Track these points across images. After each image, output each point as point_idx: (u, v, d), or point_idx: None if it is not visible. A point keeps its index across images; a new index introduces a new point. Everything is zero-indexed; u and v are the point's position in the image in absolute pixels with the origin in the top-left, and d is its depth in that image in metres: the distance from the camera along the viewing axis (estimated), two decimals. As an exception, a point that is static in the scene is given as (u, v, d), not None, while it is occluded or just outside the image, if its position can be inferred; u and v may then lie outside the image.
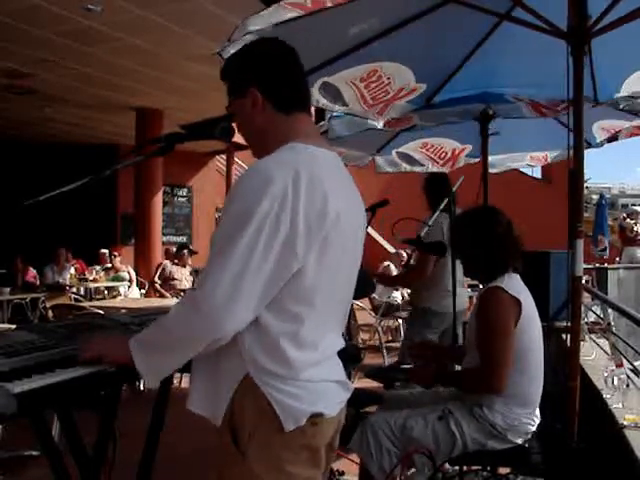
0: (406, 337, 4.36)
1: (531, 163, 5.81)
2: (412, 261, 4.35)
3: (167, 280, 8.69)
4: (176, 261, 8.95)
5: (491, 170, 4.61)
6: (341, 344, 1.62)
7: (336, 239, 1.47)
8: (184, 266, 8.90)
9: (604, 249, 12.36)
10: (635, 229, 11.93)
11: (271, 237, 1.37)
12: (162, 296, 8.41)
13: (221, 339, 1.40)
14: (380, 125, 3.99)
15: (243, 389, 1.45)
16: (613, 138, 4.54)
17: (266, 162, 1.46)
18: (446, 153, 5.27)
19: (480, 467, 2.64)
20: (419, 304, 4.21)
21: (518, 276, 2.56)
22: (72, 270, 9.87)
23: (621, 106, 3.70)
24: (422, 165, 5.34)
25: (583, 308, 3.67)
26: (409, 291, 5.89)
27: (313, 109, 4.76)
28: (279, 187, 1.38)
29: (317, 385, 1.49)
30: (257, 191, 1.38)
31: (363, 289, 4.35)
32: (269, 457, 1.44)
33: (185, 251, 9.03)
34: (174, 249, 9.67)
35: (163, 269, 8.81)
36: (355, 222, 1.60)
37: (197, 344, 1.42)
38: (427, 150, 5.21)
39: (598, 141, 4.62)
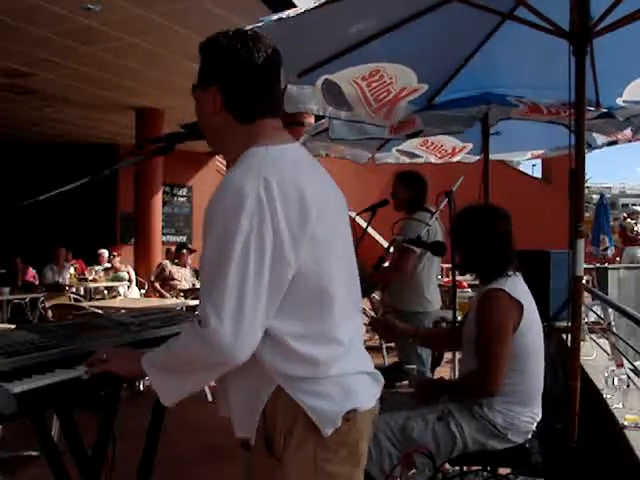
0: (403, 341, 4.34)
1: (532, 159, 5.88)
2: (386, 262, 4.30)
3: (167, 280, 8.69)
4: (176, 261, 8.95)
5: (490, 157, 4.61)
6: (361, 323, 1.61)
7: (324, 231, 1.43)
8: (184, 266, 8.90)
9: (606, 249, 12.38)
10: (635, 229, 11.95)
11: (259, 253, 1.34)
12: (162, 296, 8.40)
13: (238, 364, 1.38)
14: (386, 133, 4.02)
15: (275, 400, 1.43)
16: (613, 142, 4.58)
17: (234, 177, 1.41)
18: (446, 151, 5.31)
19: (480, 467, 2.63)
20: (408, 308, 4.20)
21: (521, 277, 2.55)
22: (72, 270, 9.88)
23: (621, 119, 3.72)
24: (421, 157, 5.38)
25: (583, 308, 3.67)
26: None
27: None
28: (253, 201, 1.34)
29: (349, 378, 1.47)
30: (233, 210, 1.35)
31: (363, 289, 4.34)
32: (306, 459, 1.42)
33: (184, 250, 9.02)
34: (174, 249, 9.68)
35: (163, 269, 8.81)
36: (336, 205, 1.56)
37: (215, 372, 1.45)
38: (427, 148, 5.25)
39: (599, 143, 4.65)
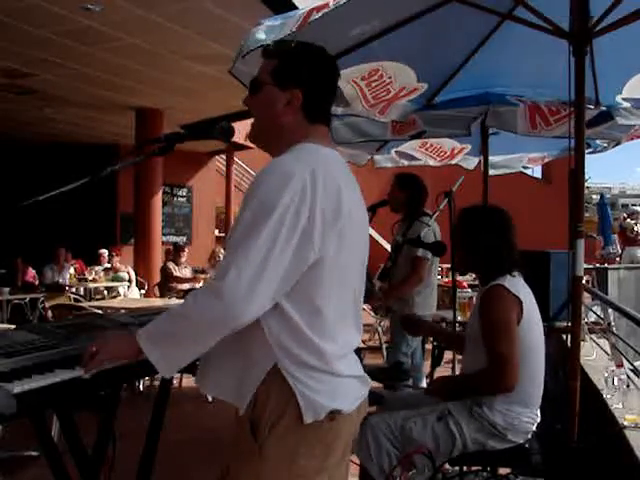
0: (396, 343, 4.34)
1: (528, 165, 5.85)
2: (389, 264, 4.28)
3: (170, 280, 8.70)
4: (175, 262, 8.95)
5: (489, 172, 4.65)
6: (358, 341, 1.67)
7: (349, 234, 1.53)
8: (184, 266, 8.91)
9: (604, 247, 12.41)
10: (635, 229, 11.94)
11: (291, 229, 1.42)
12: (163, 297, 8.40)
13: (240, 326, 1.43)
14: (388, 134, 4.03)
15: (269, 380, 1.48)
16: (616, 143, 4.58)
17: (284, 159, 1.52)
18: (445, 152, 5.31)
19: (480, 467, 2.63)
20: (407, 311, 4.20)
21: (521, 278, 2.56)
22: (72, 270, 9.86)
23: (619, 121, 3.72)
24: (419, 160, 5.38)
25: (583, 308, 3.67)
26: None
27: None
28: (298, 182, 1.44)
29: (342, 380, 1.54)
30: (278, 185, 1.44)
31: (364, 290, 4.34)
32: (285, 451, 1.48)
33: (182, 252, 9.02)
34: (173, 249, 9.66)
35: (167, 269, 8.82)
36: (362, 220, 1.66)
37: (217, 332, 1.46)
38: (426, 149, 5.26)
39: (598, 143, 4.65)
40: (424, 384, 4.11)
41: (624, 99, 3.65)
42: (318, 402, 1.48)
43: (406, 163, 5.46)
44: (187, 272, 8.91)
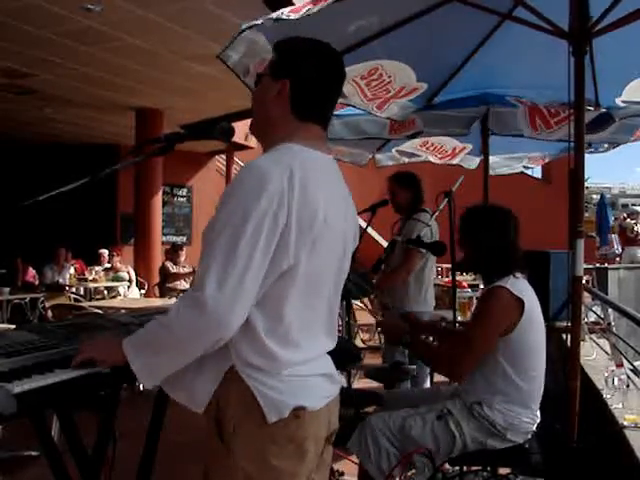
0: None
1: (529, 165, 5.85)
2: (384, 265, 4.25)
3: (170, 280, 8.70)
4: (173, 262, 8.96)
5: (489, 173, 4.65)
6: (330, 346, 1.63)
7: (324, 242, 1.48)
8: (183, 266, 8.91)
9: (599, 247, 12.45)
10: (635, 229, 11.94)
11: (270, 235, 1.38)
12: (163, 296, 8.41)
13: (223, 340, 1.40)
14: (385, 133, 4.03)
15: (228, 381, 1.46)
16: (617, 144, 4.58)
17: (262, 160, 1.47)
18: (446, 152, 5.31)
19: (480, 467, 2.63)
20: (408, 308, 4.19)
21: (525, 280, 2.55)
22: (72, 270, 9.86)
23: (617, 119, 3.73)
24: (419, 156, 5.38)
25: (583, 308, 3.67)
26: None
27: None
28: (276, 185, 1.39)
29: (300, 380, 1.50)
30: (255, 189, 1.39)
31: (363, 289, 4.35)
32: (254, 450, 1.45)
33: (181, 251, 9.03)
34: (171, 250, 9.67)
35: (165, 268, 8.82)
36: (341, 229, 1.58)
37: (201, 345, 1.41)
38: (427, 148, 5.25)
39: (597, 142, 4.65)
40: (428, 384, 4.08)
41: (624, 102, 3.65)
42: (279, 400, 1.45)
43: (407, 160, 5.45)
44: (186, 272, 8.91)
